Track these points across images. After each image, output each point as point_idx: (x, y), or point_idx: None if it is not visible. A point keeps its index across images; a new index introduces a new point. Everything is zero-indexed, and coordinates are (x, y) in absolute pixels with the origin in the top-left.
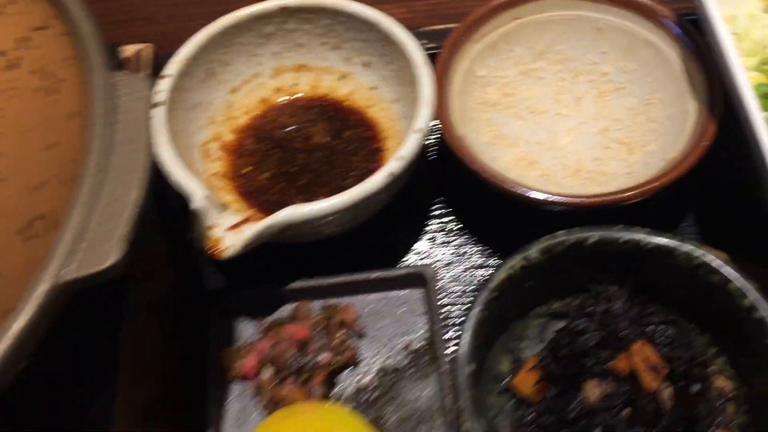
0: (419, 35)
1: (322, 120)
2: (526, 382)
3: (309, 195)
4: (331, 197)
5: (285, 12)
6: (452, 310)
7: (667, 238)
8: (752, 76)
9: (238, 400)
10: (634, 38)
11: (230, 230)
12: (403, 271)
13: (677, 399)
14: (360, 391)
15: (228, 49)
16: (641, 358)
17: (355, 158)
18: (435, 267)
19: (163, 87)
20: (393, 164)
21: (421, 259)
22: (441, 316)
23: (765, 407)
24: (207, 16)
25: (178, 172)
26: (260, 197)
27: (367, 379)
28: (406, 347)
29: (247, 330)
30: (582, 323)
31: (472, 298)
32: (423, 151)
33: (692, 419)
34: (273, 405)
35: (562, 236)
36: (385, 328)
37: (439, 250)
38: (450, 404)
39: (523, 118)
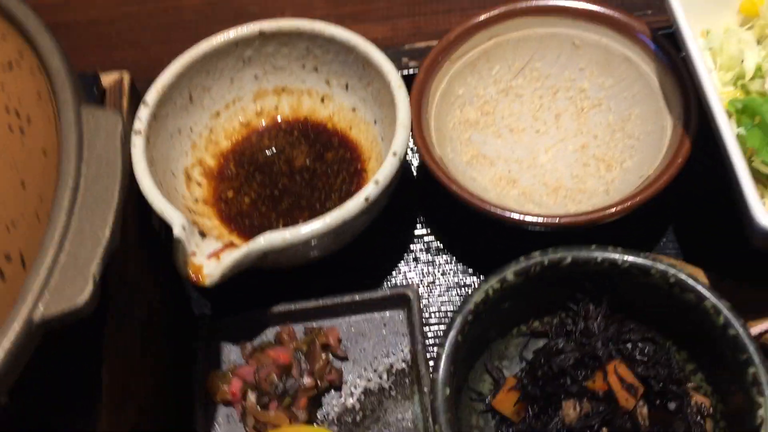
0: (402, 54)
1: (304, 142)
2: (506, 401)
3: (291, 219)
4: (308, 223)
5: (263, 36)
6: (437, 330)
7: (642, 257)
8: (727, 91)
9: (225, 423)
10: (611, 54)
11: (210, 258)
12: (386, 293)
13: (654, 417)
14: (344, 413)
15: (208, 74)
16: (616, 377)
17: (337, 180)
18: (418, 287)
19: (143, 115)
20: (369, 188)
21: (404, 279)
22: (424, 337)
23: (741, 423)
24: (192, 40)
25: (158, 200)
26: (242, 222)
27: (351, 401)
28: (390, 368)
29: (232, 354)
30: (560, 342)
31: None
32: (404, 171)
33: None
34: (258, 429)
35: (536, 257)
36: (369, 350)
37: (421, 269)
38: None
39: (502, 137)
